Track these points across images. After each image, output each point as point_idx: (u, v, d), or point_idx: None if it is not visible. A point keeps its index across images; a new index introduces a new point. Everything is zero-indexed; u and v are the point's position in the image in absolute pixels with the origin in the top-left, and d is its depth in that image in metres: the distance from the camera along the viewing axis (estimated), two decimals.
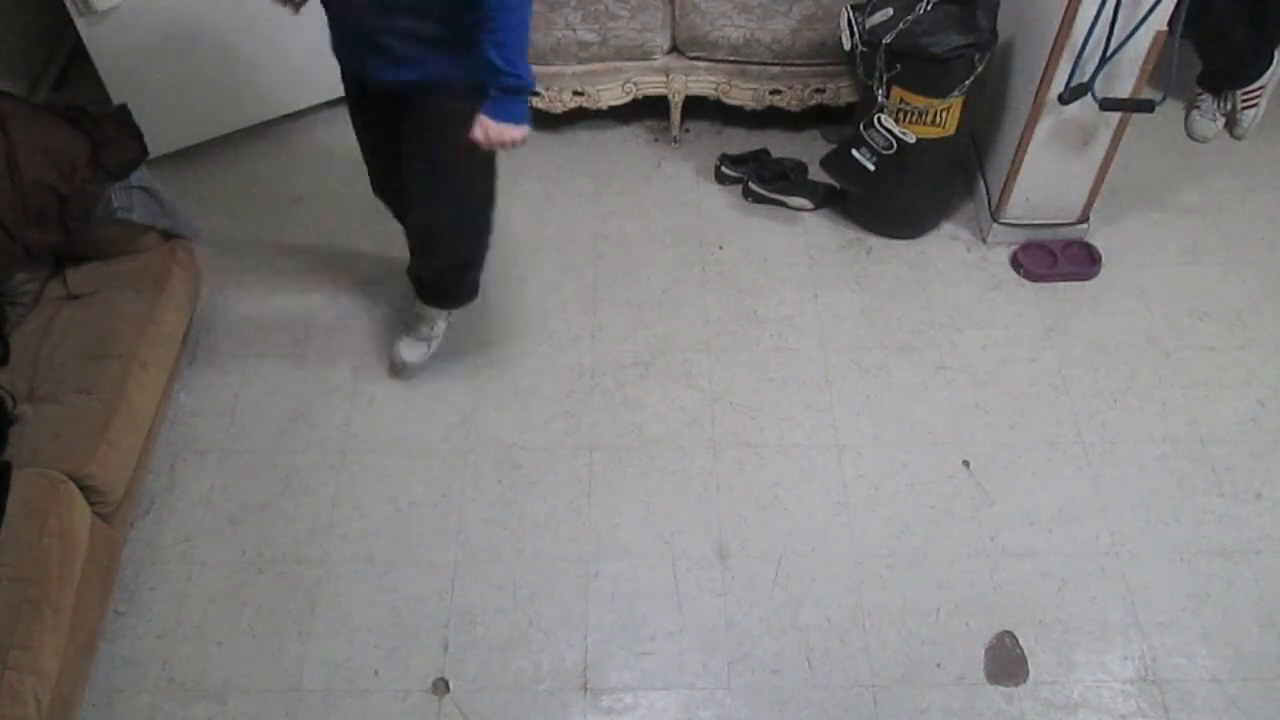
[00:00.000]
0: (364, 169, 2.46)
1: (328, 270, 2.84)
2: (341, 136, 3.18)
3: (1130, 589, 2.24)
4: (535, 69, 1.99)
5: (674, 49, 3.00)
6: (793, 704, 2.09)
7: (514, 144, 2.00)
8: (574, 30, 2.91)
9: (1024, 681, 2.12)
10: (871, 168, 2.70)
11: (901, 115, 2.59)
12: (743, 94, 3.02)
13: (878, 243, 2.90)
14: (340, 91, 3.14)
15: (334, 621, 2.20)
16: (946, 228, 2.95)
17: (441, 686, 2.11)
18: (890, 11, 2.51)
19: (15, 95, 2.32)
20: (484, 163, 2.21)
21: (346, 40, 2.10)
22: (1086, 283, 2.80)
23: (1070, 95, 2.45)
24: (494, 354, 2.65)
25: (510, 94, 1.96)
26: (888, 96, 2.58)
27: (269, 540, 2.32)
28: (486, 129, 1.97)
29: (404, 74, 2.04)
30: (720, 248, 2.89)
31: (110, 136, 2.26)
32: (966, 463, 2.44)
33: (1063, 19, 2.37)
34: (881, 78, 2.56)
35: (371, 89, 2.13)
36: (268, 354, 2.65)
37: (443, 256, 2.42)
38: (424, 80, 2.05)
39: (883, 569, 2.27)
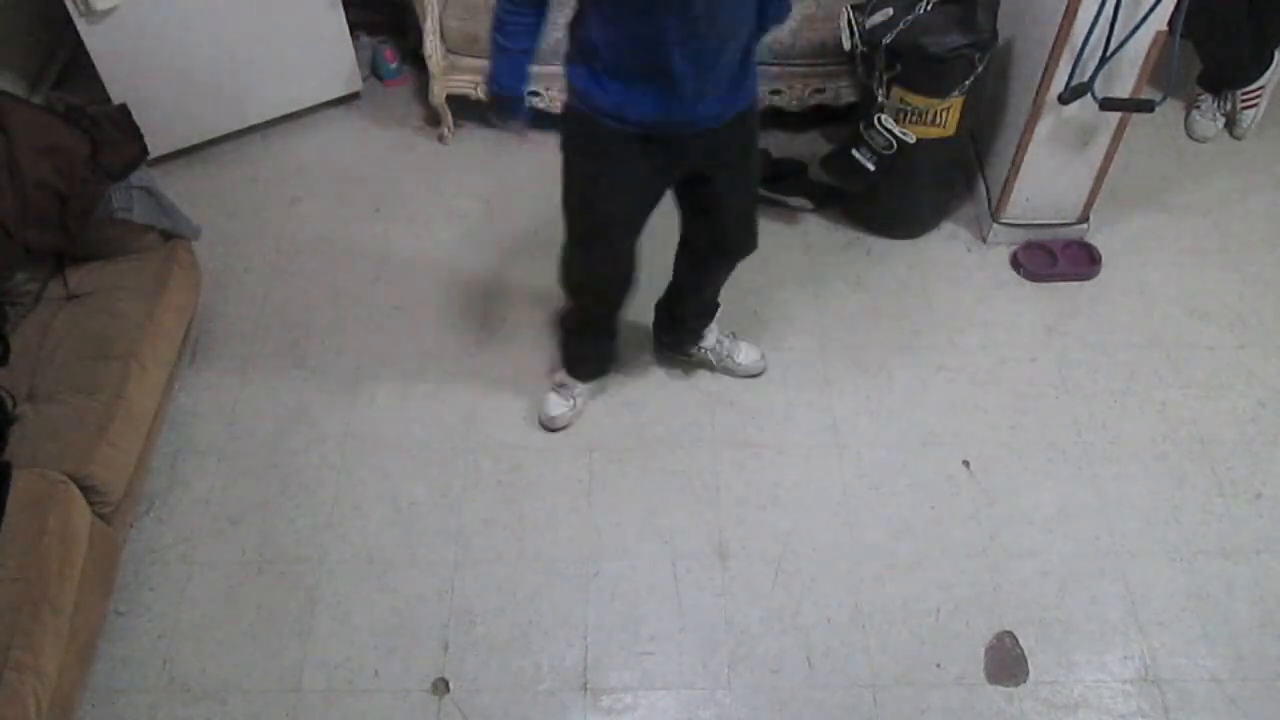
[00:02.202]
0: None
1: (327, 270, 2.84)
2: (341, 136, 3.21)
3: (1130, 589, 2.24)
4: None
5: None
6: (793, 704, 2.09)
7: None
8: None
9: (1024, 681, 2.12)
10: (871, 168, 2.70)
11: (901, 115, 2.59)
12: None
13: (878, 243, 2.90)
14: (337, 92, 3.20)
15: (334, 621, 2.20)
16: (946, 228, 2.95)
17: (441, 686, 2.11)
18: (890, 11, 2.51)
19: (15, 95, 2.32)
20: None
21: (667, 90, 1.80)
22: (1086, 283, 2.80)
23: (1070, 95, 2.45)
24: (493, 354, 2.65)
25: None
26: (888, 96, 2.58)
27: (269, 540, 2.32)
28: None
29: (733, 104, 1.90)
30: None
31: (110, 136, 2.26)
32: (966, 463, 2.44)
33: (1063, 19, 2.37)
34: (881, 78, 2.56)
35: (689, 140, 1.91)
36: (268, 354, 2.65)
37: (731, 270, 2.37)
38: (750, 102, 1.95)
39: (883, 569, 2.27)
